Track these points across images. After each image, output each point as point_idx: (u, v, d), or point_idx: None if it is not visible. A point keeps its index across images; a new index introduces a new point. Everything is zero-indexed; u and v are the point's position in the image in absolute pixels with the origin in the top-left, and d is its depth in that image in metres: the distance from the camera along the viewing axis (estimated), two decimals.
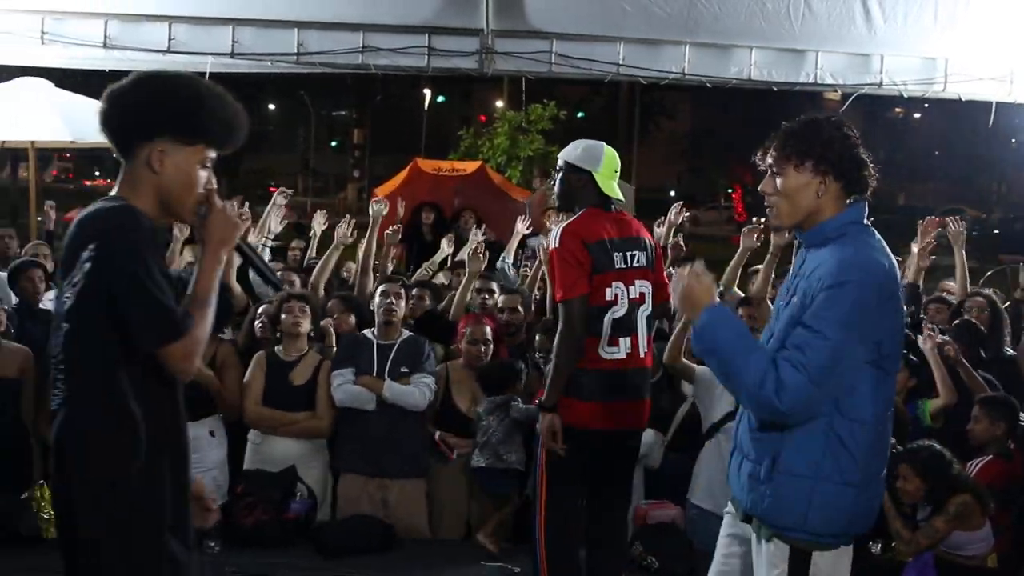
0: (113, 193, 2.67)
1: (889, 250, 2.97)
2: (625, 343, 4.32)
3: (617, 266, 4.33)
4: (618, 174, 4.52)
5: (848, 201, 2.95)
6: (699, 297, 2.93)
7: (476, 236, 7.44)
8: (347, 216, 7.10)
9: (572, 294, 4.23)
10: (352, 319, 6.02)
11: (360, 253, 6.89)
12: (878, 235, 2.99)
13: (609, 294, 4.31)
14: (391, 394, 5.41)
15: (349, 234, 6.70)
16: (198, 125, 2.65)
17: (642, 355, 4.40)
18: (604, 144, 4.54)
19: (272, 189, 9.22)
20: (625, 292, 4.34)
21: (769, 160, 2.98)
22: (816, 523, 2.86)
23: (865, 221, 2.98)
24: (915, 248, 6.58)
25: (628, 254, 4.38)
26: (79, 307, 2.53)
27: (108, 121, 2.66)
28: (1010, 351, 6.20)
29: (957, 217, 7.02)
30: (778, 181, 2.96)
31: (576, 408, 4.28)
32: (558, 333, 4.29)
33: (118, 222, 2.56)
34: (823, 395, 2.79)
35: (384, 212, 7.03)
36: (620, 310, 4.32)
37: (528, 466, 5.23)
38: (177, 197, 2.66)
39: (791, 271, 3.15)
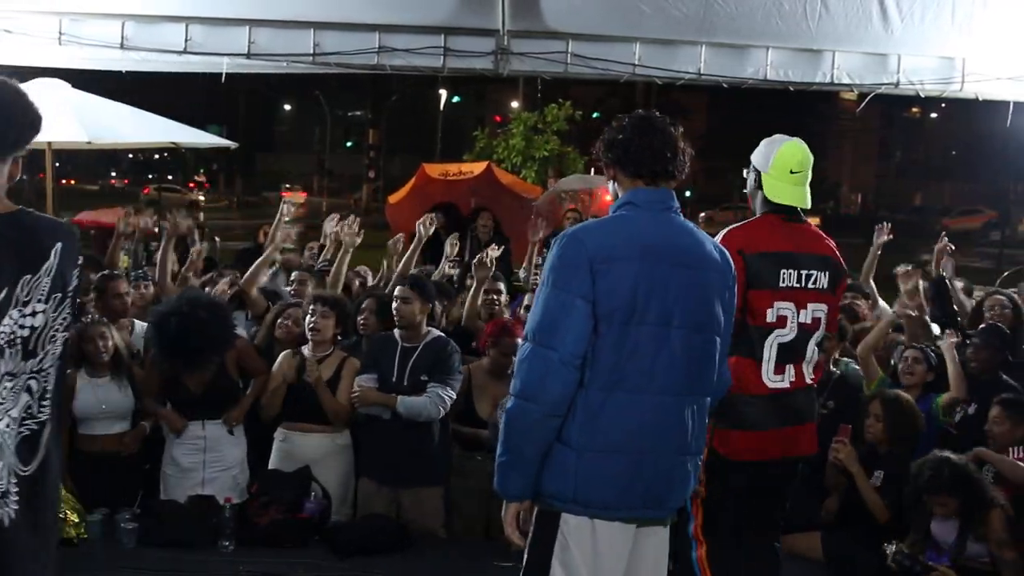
0: None
1: None
2: (790, 371, 3.83)
3: (784, 284, 3.79)
4: (801, 176, 3.91)
5: None
6: None
7: (493, 251, 7.28)
8: (352, 216, 7.09)
9: None
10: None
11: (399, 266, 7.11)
12: None
13: (771, 315, 3.78)
14: (404, 409, 5.35)
15: (356, 234, 6.66)
16: None
17: (808, 380, 3.92)
18: (787, 139, 3.95)
19: (285, 193, 9.25)
20: (795, 315, 3.80)
21: None
22: None
23: None
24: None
25: (804, 272, 3.83)
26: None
27: None
28: None
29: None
30: None
31: (733, 438, 3.79)
32: None
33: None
34: None
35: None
36: (788, 335, 3.80)
37: None
38: None
39: None
